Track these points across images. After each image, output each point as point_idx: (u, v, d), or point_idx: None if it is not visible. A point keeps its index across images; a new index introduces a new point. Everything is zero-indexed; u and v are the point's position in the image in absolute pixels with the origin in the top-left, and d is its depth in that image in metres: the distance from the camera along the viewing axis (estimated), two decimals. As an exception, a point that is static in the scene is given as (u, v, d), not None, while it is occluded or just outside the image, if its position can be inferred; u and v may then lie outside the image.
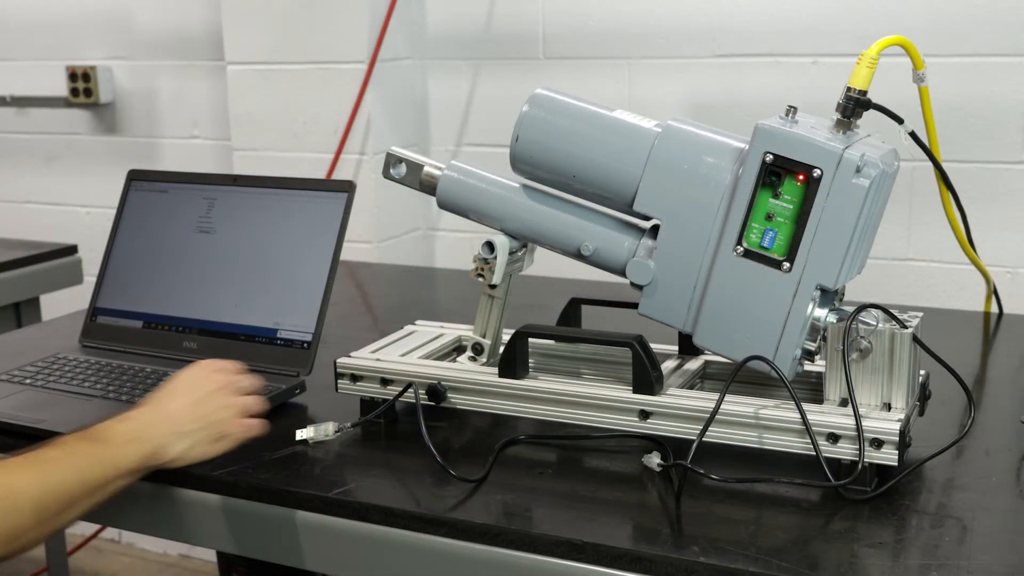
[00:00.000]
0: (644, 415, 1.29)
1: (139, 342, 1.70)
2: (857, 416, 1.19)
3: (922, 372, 1.32)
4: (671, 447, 1.27)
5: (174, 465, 1.23)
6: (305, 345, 1.57)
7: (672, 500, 1.20)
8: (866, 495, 1.18)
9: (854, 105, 1.24)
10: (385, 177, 1.46)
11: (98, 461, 1.13)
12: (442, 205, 1.44)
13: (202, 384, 1.28)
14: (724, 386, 1.24)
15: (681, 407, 1.27)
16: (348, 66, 2.65)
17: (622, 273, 1.34)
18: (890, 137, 1.33)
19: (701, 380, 1.42)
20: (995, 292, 1.90)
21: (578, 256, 1.37)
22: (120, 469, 1.15)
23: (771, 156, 1.23)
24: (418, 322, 1.61)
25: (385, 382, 1.41)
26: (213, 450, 1.25)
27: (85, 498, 1.12)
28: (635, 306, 1.34)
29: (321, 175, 2.69)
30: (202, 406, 1.25)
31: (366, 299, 2.28)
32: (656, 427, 1.29)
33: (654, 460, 1.25)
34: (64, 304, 2.52)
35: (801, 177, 1.22)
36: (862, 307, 1.23)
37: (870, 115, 1.26)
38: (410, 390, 1.39)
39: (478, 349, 1.43)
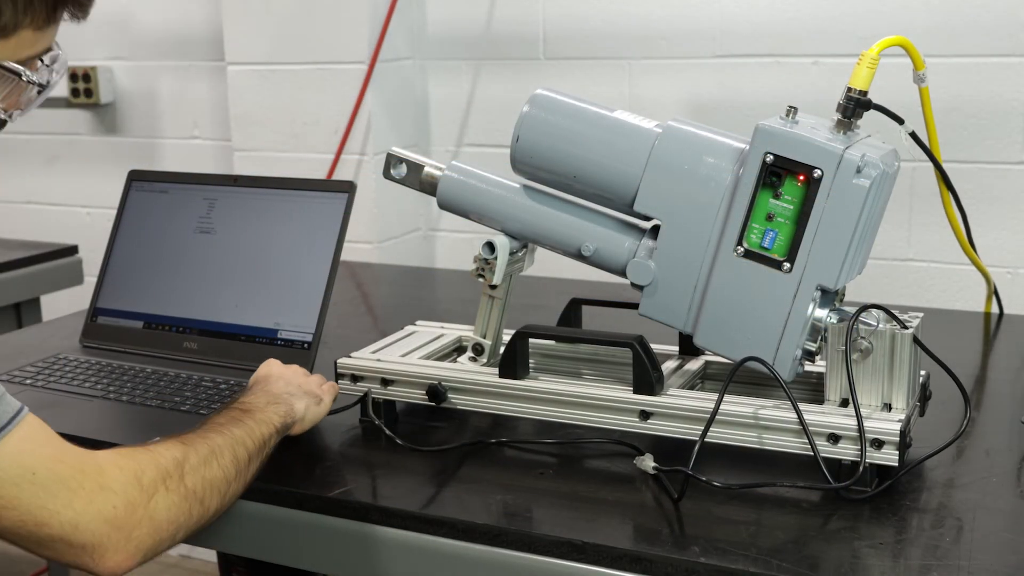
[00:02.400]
0: (644, 415, 1.29)
1: (139, 342, 1.70)
2: (859, 416, 1.19)
3: (923, 372, 1.32)
4: (671, 447, 1.27)
5: (302, 428, 1.33)
6: (305, 345, 1.57)
7: (672, 500, 1.19)
8: (866, 495, 1.19)
9: (854, 105, 1.24)
10: (385, 177, 1.46)
11: (255, 422, 1.24)
12: (442, 206, 1.44)
13: (282, 370, 1.39)
14: (721, 389, 1.24)
15: (681, 407, 1.27)
16: (348, 66, 2.65)
17: (622, 273, 1.34)
18: (890, 137, 1.33)
19: (701, 380, 1.42)
20: (995, 292, 1.90)
21: (578, 256, 1.37)
22: (272, 426, 1.26)
23: (771, 156, 1.23)
24: (418, 322, 1.61)
25: (386, 382, 1.41)
26: (320, 411, 1.36)
27: (257, 455, 1.22)
28: (635, 306, 1.34)
29: (321, 175, 2.69)
30: (293, 381, 1.37)
31: (366, 299, 2.28)
32: (656, 427, 1.29)
33: (648, 463, 1.24)
34: (64, 304, 2.52)
35: (801, 177, 1.22)
36: (863, 307, 1.23)
37: (870, 115, 1.26)
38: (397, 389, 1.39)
39: (478, 349, 1.43)
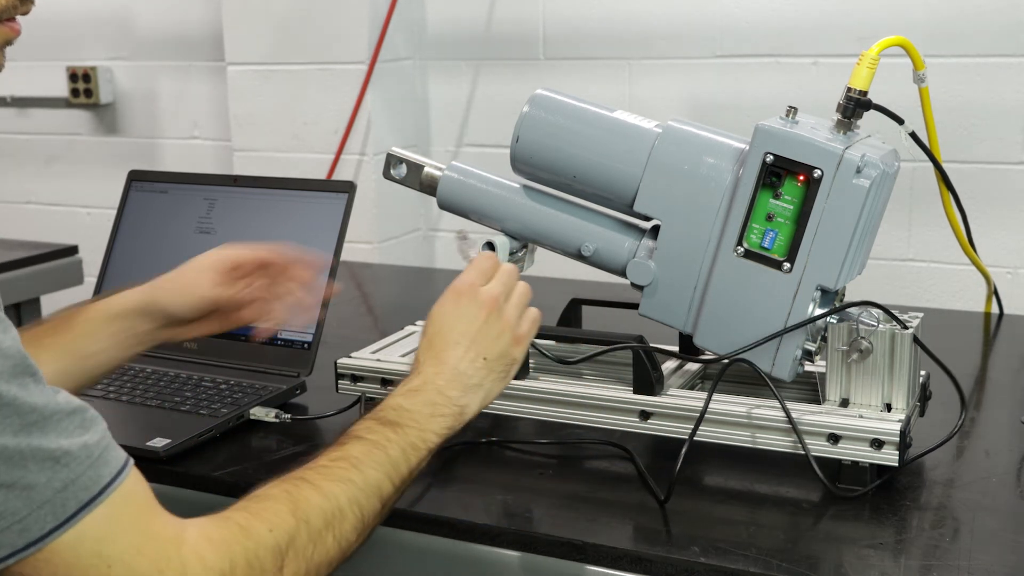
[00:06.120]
0: (644, 416, 1.29)
1: (139, 342, 1.69)
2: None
3: (922, 373, 1.32)
4: (672, 448, 1.27)
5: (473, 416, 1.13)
6: (305, 346, 1.57)
7: (673, 500, 1.19)
8: (865, 495, 1.19)
9: (854, 105, 1.24)
10: (385, 178, 1.46)
11: (406, 449, 1.04)
12: (442, 206, 1.44)
13: (469, 317, 1.15)
14: (710, 388, 1.24)
15: (681, 407, 1.27)
16: (348, 66, 2.65)
17: (622, 274, 1.34)
18: (890, 137, 1.33)
19: (701, 380, 1.42)
20: (995, 292, 1.90)
21: (578, 257, 1.37)
22: (427, 450, 1.07)
23: (771, 156, 1.23)
24: (419, 323, 1.61)
25: (385, 383, 1.41)
26: (506, 384, 1.16)
27: (396, 492, 1.04)
28: (635, 307, 1.34)
29: (321, 176, 2.69)
30: (480, 347, 1.14)
31: (366, 300, 2.28)
32: (657, 427, 1.29)
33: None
34: (64, 304, 2.52)
35: (801, 177, 1.22)
36: (862, 303, 1.23)
37: (870, 116, 1.26)
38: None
39: (478, 349, 1.43)
